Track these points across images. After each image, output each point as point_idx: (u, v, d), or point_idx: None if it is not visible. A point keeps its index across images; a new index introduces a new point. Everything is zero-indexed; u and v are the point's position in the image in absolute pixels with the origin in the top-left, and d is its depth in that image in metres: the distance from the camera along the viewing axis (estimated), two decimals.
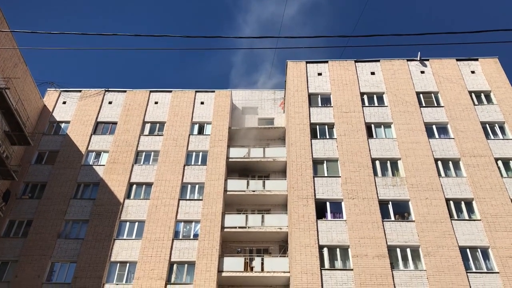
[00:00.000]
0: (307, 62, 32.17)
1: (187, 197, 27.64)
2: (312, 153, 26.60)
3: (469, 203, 24.09)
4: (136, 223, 26.42)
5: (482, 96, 29.28)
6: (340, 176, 25.41)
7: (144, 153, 30.10)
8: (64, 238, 25.81)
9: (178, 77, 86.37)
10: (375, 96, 29.83)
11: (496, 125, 27.56)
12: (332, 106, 29.15)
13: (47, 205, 27.01)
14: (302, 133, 27.56)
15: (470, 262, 21.79)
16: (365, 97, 29.77)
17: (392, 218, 23.66)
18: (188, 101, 32.95)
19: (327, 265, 22.04)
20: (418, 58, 31.78)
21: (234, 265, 24.43)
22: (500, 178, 24.62)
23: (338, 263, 22.19)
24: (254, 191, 27.63)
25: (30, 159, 29.52)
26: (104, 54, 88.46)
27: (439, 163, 25.82)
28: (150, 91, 33.76)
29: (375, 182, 24.99)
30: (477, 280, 20.99)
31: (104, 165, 29.19)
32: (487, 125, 27.50)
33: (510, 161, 25.69)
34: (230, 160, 29.48)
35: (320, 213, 24.01)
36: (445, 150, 26.34)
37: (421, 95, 29.62)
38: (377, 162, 26.12)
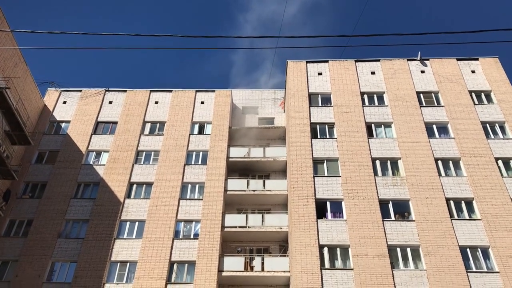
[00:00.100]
0: (307, 62, 32.17)
1: (188, 197, 27.65)
2: (312, 153, 26.60)
3: (469, 203, 24.09)
4: (137, 223, 26.43)
5: (483, 95, 29.28)
6: (340, 176, 25.42)
7: (144, 152, 30.11)
8: (65, 237, 25.82)
9: (178, 77, 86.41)
10: (375, 95, 29.83)
11: (497, 124, 27.55)
12: (332, 106, 29.15)
13: (47, 205, 27.02)
14: (302, 133, 27.57)
15: (470, 261, 21.79)
16: (365, 96, 29.77)
17: (392, 217, 23.66)
18: (188, 101, 32.96)
19: (327, 264, 22.05)
20: (419, 58, 31.78)
21: (234, 264, 24.44)
22: (500, 178, 24.62)
23: (339, 263, 22.19)
24: (254, 190, 27.64)
25: (30, 159, 29.53)
26: (104, 54, 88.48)
27: (439, 162, 25.82)
28: (151, 91, 33.77)
29: (375, 182, 25.00)
30: (477, 279, 20.99)
31: (104, 164, 29.20)
32: (487, 124, 27.50)
33: (510, 161, 25.68)
34: (230, 159, 29.49)
35: (321, 212, 24.02)
36: (445, 150, 26.34)
37: (421, 94, 29.62)
38: (377, 162, 26.12)
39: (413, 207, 23.82)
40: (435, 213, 23.40)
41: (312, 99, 29.88)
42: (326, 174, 25.69)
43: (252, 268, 24.40)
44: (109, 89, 34.01)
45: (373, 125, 28.11)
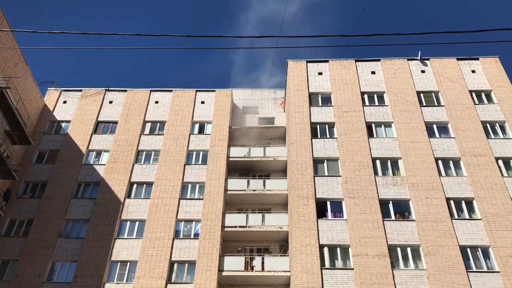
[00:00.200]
0: (307, 62, 32.17)
1: (188, 197, 27.66)
2: (312, 153, 26.60)
3: (469, 203, 24.08)
4: (137, 223, 26.44)
5: (483, 95, 29.27)
6: (340, 176, 25.41)
7: (144, 152, 30.12)
8: (65, 237, 25.83)
9: (178, 76, 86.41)
10: (375, 95, 29.83)
11: (497, 124, 27.55)
12: (332, 106, 29.14)
13: (47, 205, 27.03)
14: (303, 133, 27.56)
15: (470, 261, 21.79)
16: (365, 96, 29.77)
17: (393, 217, 23.65)
18: (189, 101, 32.95)
19: (327, 264, 22.05)
20: (419, 58, 31.77)
21: (234, 264, 24.44)
22: (500, 178, 24.62)
23: (339, 263, 22.19)
24: (254, 190, 27.64)
25: (30, 159, 29.54)
26: (105, 54, 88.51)
27: (440, 162, 25.82)
28: (151, 91, 33.78)
29: (376, 182, 25.00)
30: (477, 279, 20.99)
31: (104, 164, 29.21)
32: (487, 124, 27.50)
33: (511, 161, 25.67)
34: (230, 159, 29.49)
35: (321, 212, 24.01)
36: (446, 150, 26.33)
37: (421, 94, 29.61)
38: (378, 162, 26.11)
39: (413, 206, 23.81)
40: (435, 213, 23.40)
41: (312, 98, 29.87)
42: (326, 174, 25.69)
43: (252, 268, 24.41)
44: (109, 88, 34.01)
45: (373, 124, 28.11)
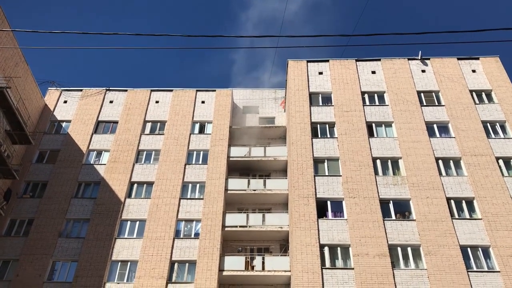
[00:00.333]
0: (308, 61, 32.16)
1: (188, 196, 27.66)
2: (313, 152, 26.60)
3: (470, 202, 24.08)
4: (137, 222, 26.45)
5: (483, 95, 29.27)
6: (341, 175, 25.41)
7: (145, 152, 30.13)
8: (65, 237, 25.84)
9: (178, 76, 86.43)
10: (376, 95, 29.82)
11: (497, 124, 27.54)
12: (333, 105, 29.14)
13: (48, 204, 27.04)
14: (303, 132, 27.56)
15: (471, 261, 21.78)
16: (366, 96, 29.76)
17: (393, 217, 23.65)
18: (189, 100, 32.96)
19: (328, 264, 22.04)
20: (419, 57, 31.76)
21: (235, 264, 24.45)
22: (501, 177, 24.61)
23: (339, 262, 22.19)
24: (255, 190, 27.64)
25: (31, 158, 29.55)
26: (105, 54, 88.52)
27: (440, 162, 25.82)
28: (151, 90, 33.78)
29: (376, 181, 24.99)
30: (478, 279, 20.98)
31: (105, 164, 29.22)
32: (488, 124, 27.49)
33: (511, 160, 25.66)
34: (231, 159, 29.49)
35: (321, 212, 24.01)
36: (446, 149, 26.32)
37: (422, 94, 29.61)
38: (378, 161, 26.11)
39: (414, 206, 23.81)
40: (436, 213, 23.39)
41: (313, 98, 29.87)
42: (326, 174, 25.69)
43: (252, 268, 24.41)
44: (110, 88, 34.02)
45: (373, 124, 28.10)
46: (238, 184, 28.01)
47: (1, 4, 26.91)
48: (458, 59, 31.55)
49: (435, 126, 27.72)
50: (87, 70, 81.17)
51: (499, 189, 24.06)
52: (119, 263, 24.82)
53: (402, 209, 24.03)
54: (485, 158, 25.56)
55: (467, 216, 23.48)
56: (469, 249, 22.16)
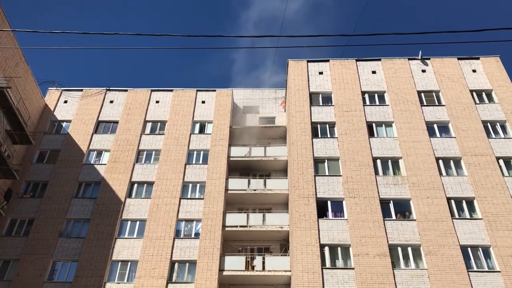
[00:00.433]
0: (308, 61, 32.16)
1: (188, 196, 27.67)
2: (313, 152, 26.60)
3: (470, 202, 24.07)
4: (138, 222, 26.45)
5: (484, 95, 29.26)
6: (341, 175, 25.41)
7: (145, 152, 30.13)
8: (66, 237, 25.85)
9: (179, 76, 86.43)
10: (376, 95, 29.82)
11: (498, 124, 27.53)
12: (333, 105, 29.13)
13: (48, 204, 27.05)
14: (303, 132, 27.56)
15: (471, 261, 21.78)
16: (366, 96, 29.75)
17: (393, 217, 23.65)
18: (189, 100, 32.97)
19: (328, 264, 22.04)
20: (420, 57, 31.75)
21: (235, 264, 24.45)
22: (501, 177, 24.61)
23: (339, 262, 22.19)
24: (255, 190, 27.65)
25: (31, 158, 29.56)
26: (105, 54, 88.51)
27: (440, 162, 25.81)
28: (151, 90, 33.79)
29: (376, 181, 24.99)
30: (478, 279, 20.98)
31: (105, 164, 29.23)
32: (488, 124, 27.48)
33: (511, 160, 25.69)
34: (231, 159, 29.50)
35: (321, 212, 24.01)
36: (446, 149, 26.32)
37: (422, 94, 29.60)
38: (378, 161, 26.11)
39: (414, 206, 23.80)
40: (436, 213, 23.39)
41: (313, 98, 29.87)
42: (327, 174, 25.68)
43: (253, 268, 24.41)
44: (110, 88, 34.03)
45: (374, 124, 28.09)
46: (238, 184, 28.02)
47: (1, 4, 26.94)
48: (459, 59, 31.55)
49: (435, 126, 27.71)
50: (87, 70, 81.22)
51: (500, 189, 24.06)
52: (120, 263, 24.82)
53: (402, 209, 24.02)
54: (485, 158, 25.55)
55: (468, 216, 23.48)
56: (469, 249, 22.16)
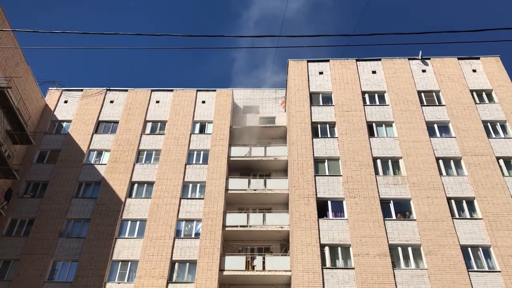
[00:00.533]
0: (308, 61, 32.16)
1: (189, 196, 27.67)
2: (313, 152, 26.60)
3: (470, 202, 24.07)
4: (138, 222, 26.46)
5: (484, 95, 29.26)
6: (341, 175, 25.41)
7: (145, 152, 30.14)
8: (66, 237, 25.86)
9: (179, 76, 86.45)
10: (376, 95, 29.82)
11: (498, 123, 27.53)
12: (333, 105, 29.14)
13: (48, 204, 27.06)
14: (303, 132, 27.56)
15: (471, 261, 21.78)
16: (366, 96, 29.76)
17: (394, 217, 23.65)
18: (190, 100, 32.97)
19: (328, 264, 22.05)
20: (420, 57, 31.75)
21: (235, 264, 24.46)
22: (501, 177, 24.61)
23: (340, 262, 22.19)
24: (255, 190, 27.66)
25: (31, 158, 29.57)
26: (106, 54, 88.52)
27: (441, 162, 25.81)
28: (152, 90, 33.79)
29: (377, 181, 25.00)
30: (478, 279, 20.98)
31: (105, 164, 29.23)
32: (488, 124, 27.48)
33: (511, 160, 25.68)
34: (231, 159, 29.50)
35: (322, 212, 24.02)
36: (447, 149, 26.32)
37: (422, 94, 29.61)
38: (379, 161, 26.11)
39: (414, 206, 23.81)
40: (436, 212, 23.39)
41: (313, 98, 29.87)
42: (327, 173, 25.69)
43: (253, 268, 24.42)
44: (110, 88, 34.04)
45: (374, 124, 28.10)
46: (238, 184, 28.02)
47: (1, 4, 26.95)
48: (459, 59, 31.55)
49: (435, 126, 27.71)
50: (88, 70, 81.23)
51: (500, 189, 24.06)
52: (120, 263, 24.83)
53: (402, 209, 24.03)
54: (485, 158, 25.56)
55: (468, 216, 23.48)
56: (469, 249, 22.17)
